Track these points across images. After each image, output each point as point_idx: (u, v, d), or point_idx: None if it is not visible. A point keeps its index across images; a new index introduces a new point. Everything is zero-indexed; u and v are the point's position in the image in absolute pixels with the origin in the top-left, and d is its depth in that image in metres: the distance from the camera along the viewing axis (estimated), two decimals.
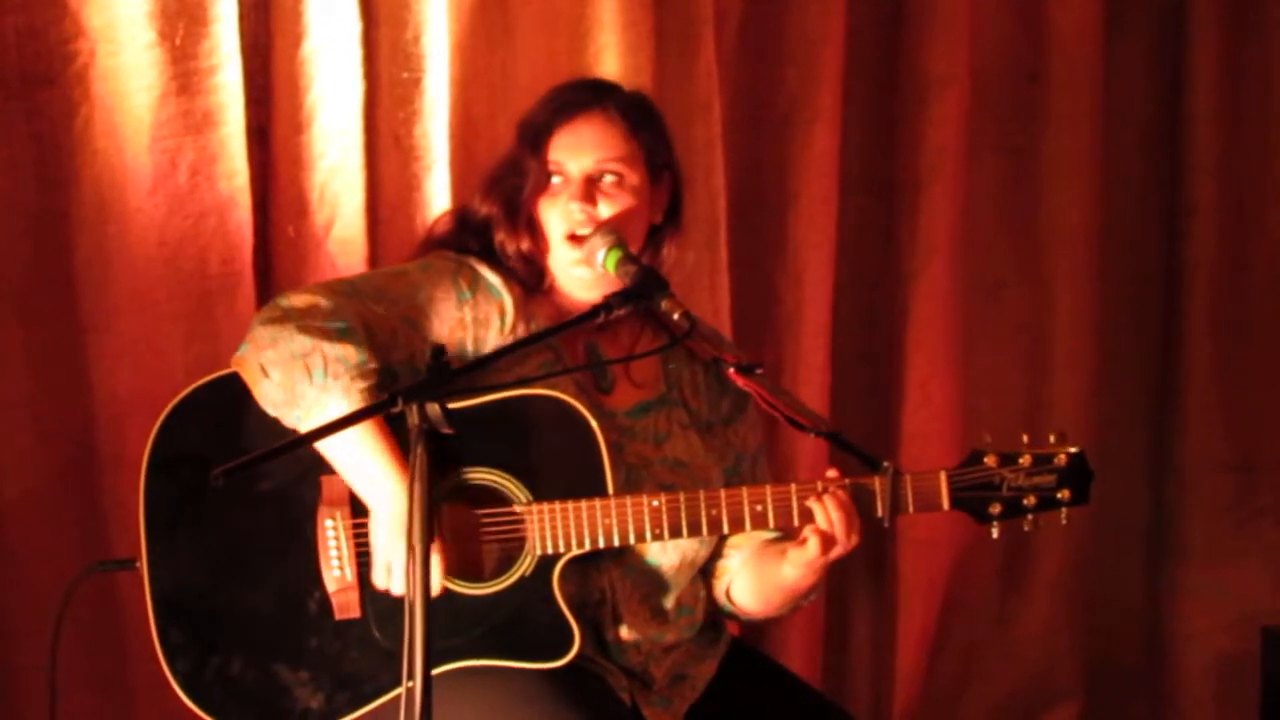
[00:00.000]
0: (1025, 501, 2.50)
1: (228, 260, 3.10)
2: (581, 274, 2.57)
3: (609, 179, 2.58)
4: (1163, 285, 4.16)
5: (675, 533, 2.48)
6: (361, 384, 2.39)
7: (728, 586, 2.67)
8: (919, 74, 3.77)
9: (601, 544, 2.46)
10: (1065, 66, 3.92)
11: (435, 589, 2.39)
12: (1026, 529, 2.53)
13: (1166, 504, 4.20)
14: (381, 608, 2.46)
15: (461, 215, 2.69)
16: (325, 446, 2.39)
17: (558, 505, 2.46)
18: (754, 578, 2.63)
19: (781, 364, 3.70)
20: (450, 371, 2.19)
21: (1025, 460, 2.50)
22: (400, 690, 2.10)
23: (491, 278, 2.58)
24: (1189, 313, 4.11)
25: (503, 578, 2.48)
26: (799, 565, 2.50)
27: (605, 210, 2.57)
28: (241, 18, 3.07)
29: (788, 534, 2.57)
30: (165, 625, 2.46)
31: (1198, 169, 4.06)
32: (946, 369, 3.87)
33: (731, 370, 2.63)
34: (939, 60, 3.75)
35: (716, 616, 2.72)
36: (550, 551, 2.46)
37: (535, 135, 2.60)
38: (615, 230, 2.54)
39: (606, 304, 2.44)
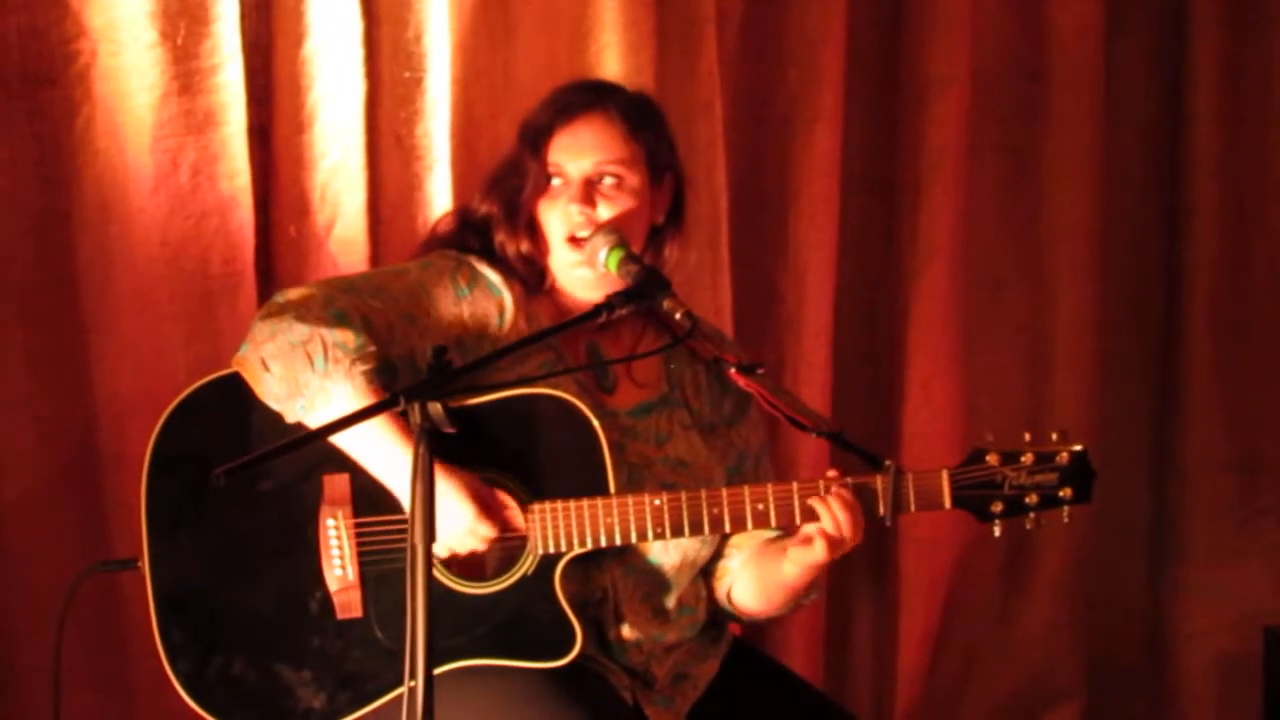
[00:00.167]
0: (1027, 500, 2.50)
1: (229, 260, 3.10)
2: (583, 275, 2.57)
3: (608, 181, 2.58)
4: (1164, 285, 4.16)
5: (677, 532, 2.48)
6: (362, 367, 2.39)
7: (729, 589, 2.67)
8: (920, 74, 3.77)
9: (603, 543, 2.47)
10: (1066, 66, 3.91)
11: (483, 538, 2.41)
12: (1029, 527, 2.53)
13: (1168, 504, 4.20)
14: (383, 607, 2.46)
15: (463, 215, 2.70)
16: (338, 436, 2.39)
17: (559, 504, 2.46)
18: (755, 577, 2.63)
19: (783, 363, 3.70)
20: (452, 371, 2.19)
21: (1027, 459, 2.50)
22: (402, 690, 2.10)
23: (491, 275, 2.58)
24: (1190, 312, 4.11)
25: (504, 577, 2.48)
26: (801, 564, 2.50)
27: (604, 212, 2.57)
28: (243, 17, 3.07)
29: (788, 531, 2.57)
30: (167, 625, 2.46)
31: (1198, 169, 4.06)
32: (948, 368, 3.87)
33: (733, 370, 2.63)
34: (940, 60, 3.75)
35: (718, 616, 2.72)
36: (552, 551, 2.46)
37: (535, 136, 2.60)
38: (617, 230, 2.54)
39: (608, 303, 2.44)
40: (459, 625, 2.45)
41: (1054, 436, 2.52)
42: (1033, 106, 3.95)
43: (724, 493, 2.49)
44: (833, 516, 2.45)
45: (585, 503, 2.46)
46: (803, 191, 3.68)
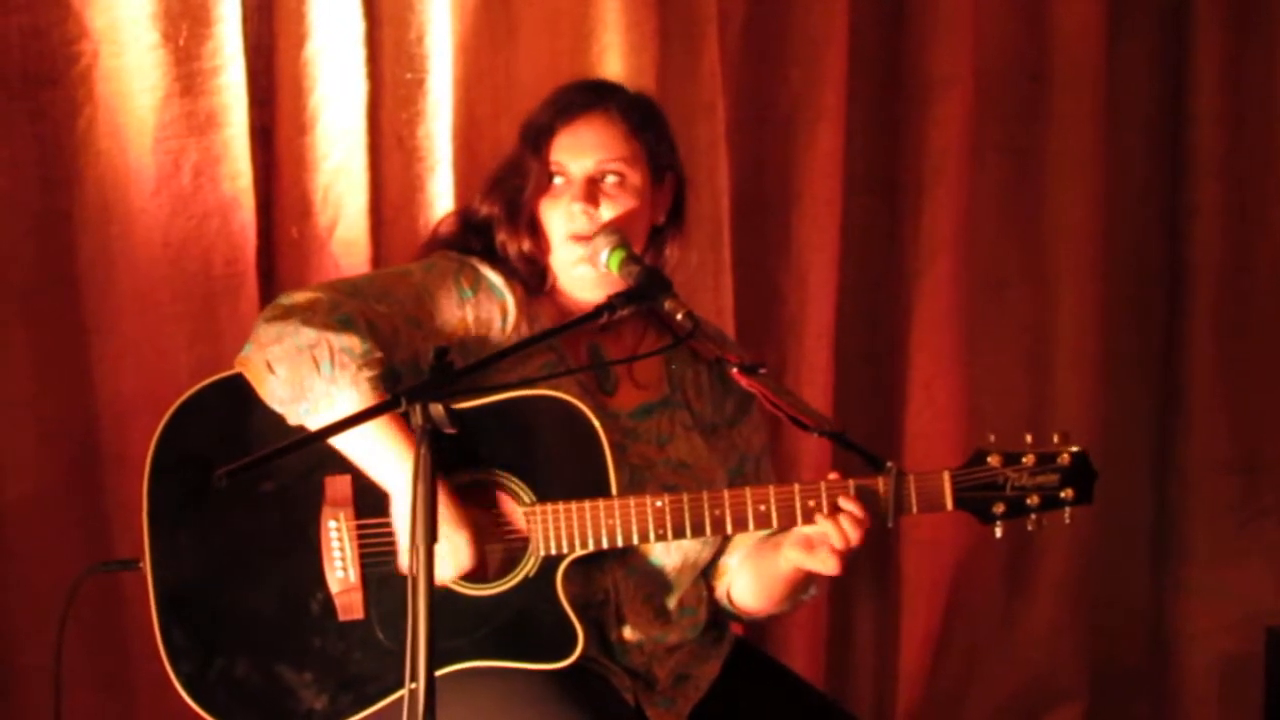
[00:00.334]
0: (1029, 501, 2.50)
1: (231, 261, 3.10)
2: (583, 273, 2.57)
3: (610, 180, 2.58)
4: (1165, 286, 4.17)
5: (679, 533, 2.48)
6: (368, 373, 2.39)
7: (728, 588, 2.67)
8: (922, 74, 3.77)
9: (605, 545, 2.46)
10: (1068, 67, 3.92)
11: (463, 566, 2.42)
12: (1030, 529, 2.52)
13: (1169, 504, 4.20)
14: (385, 609, 2.46)
15: (464, 215, 2.70)
16: (338, 439, 2.39)
17: (561, 506, 2.46)
18: (754, 573, 2.63)
19: (785, 364, 3.70)
20: (454, 372, 2.19)
21: (1029, 460, 2.50)
22: (404, 691, 2.10)
23: (494, 278, 2.58)
24: (1192, 313, 4.11)
25: (507, 578, 2.47)
26: (801, 565, 2.50)
27: (607, 211, 2.57)
28: (245, 19, 3.07)
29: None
30: (169, 626, 2.46)
31: (1200, 169, 4.06)
32: (950, 369, 3.87)
33: (735, 370, 2.63)
34: (942, 60, 3.75)
35: (719, 617, 2.72)
36: (554, 552, 2.46)
37: (537, 136, 2.60)
38: (619, 230, 2.54)
39: (610, 304, 2.44)
40: (461, 627, 2.45)
41: (1055, 438, 2.52)
42: (1035, 107, 3.95)
43: (725, 494, 2.49)
44: (841, 532, 2.45)
45: (587, 504, 2.46)
46: (805, 192, 3.68)
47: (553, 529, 2.46)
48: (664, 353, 2.63)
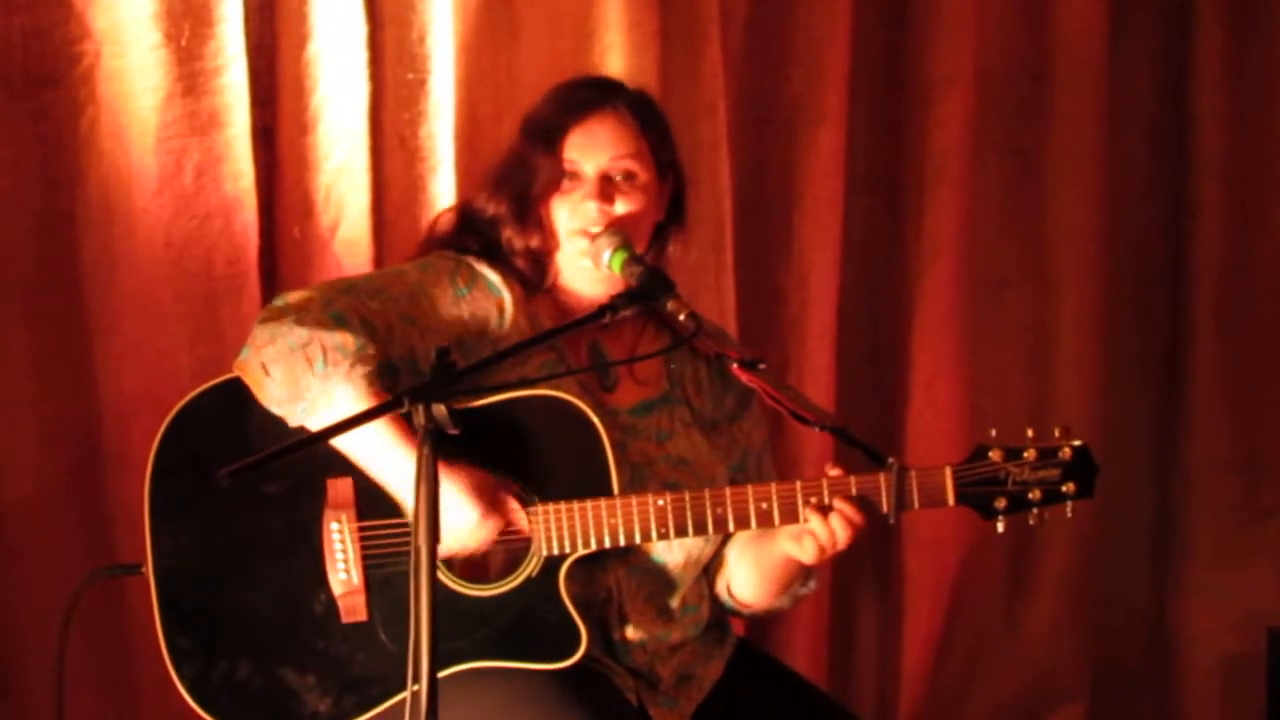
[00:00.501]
0: (1030, 495, 2.50)
1: (233, 261, 3.10)
2: (588, 264, 2.57)
3: (623, 177, 2.58)
4: (1167, 286, 4.17)
5: (681, 532, 2.48)
6: (362, 369, 2.39)
7: (728, 582, 2.68)
8: (924, 74, 3.77)
9: (608, 544, 2.46)
10: (1070, 67, 3.91)
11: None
12: (1032, 523, 2.52)
13: (1171, 505, 4.20)
14: (388, 611, 2.46)
15: (465, 213, 2.69)
16: (340, 439, 2.38)
17: (563, 506, 2.46)
18: (753, 564, 2.63)
19: (786, 364, 3.70)
20: (455, 372, 2.19)
21: (1030, 454, 2.50)
22: (407, 693, 2.10)
23: (490, 275, 2.58)
24: (1193, 313, 4.11)
25: (509, 579, 2.47)
26: (792, 553, 2.51)
27: (621, 208, 2.57)
28: (247, 19, 3.07)
29: None
30: (172, 630, 2.45)
31: (1202, 170, 4.06)
32: (951, 369, 3.87)
33: (735, 365, 2.63)
34: (944, 61, 3.75)
35: (722, 616, 2.72)
36: (556, 552, 2.46)
37: (547, 134, 2.59)
38: (622, 231, 2.54)
39: (612, 304, 2.44)
40: (463, 628, 2.45)
41: (1056, 432, 2.52)
42: (1036, 107, 3.95)
43: (728, 492, 2.49)
44: (829, 530, 2.46)
45: (589, 504, 2.46)
46: (806, 193, 3.68)
47: (555, 529, 2.46)
48: (668, 352, 2.63)
